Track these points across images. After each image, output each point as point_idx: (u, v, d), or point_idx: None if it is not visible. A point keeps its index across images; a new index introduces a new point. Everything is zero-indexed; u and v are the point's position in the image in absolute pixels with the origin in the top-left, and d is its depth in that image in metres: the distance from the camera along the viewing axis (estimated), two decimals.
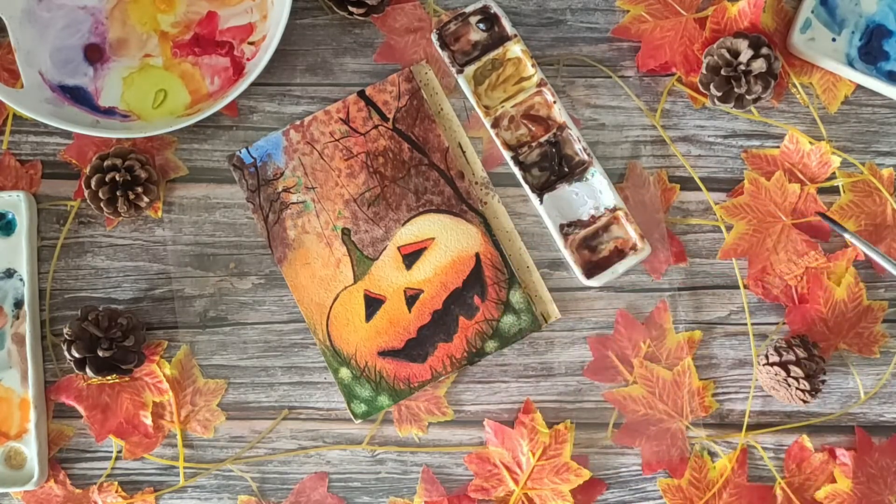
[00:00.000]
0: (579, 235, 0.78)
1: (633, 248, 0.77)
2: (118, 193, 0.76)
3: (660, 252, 0.79)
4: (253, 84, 0.76)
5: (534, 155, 0.79)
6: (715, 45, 0.77)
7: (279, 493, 0.79)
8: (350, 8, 0.78)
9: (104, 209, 0.77)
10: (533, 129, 0.79)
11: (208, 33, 0.81)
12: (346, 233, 0.79)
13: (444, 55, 0.79)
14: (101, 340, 0.74)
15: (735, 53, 0.76)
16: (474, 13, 0.79)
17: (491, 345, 0.78)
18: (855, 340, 0.78)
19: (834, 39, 0.80)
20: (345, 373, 0.78)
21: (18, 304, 0.78)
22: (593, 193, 0.78)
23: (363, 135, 0.79)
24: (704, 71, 0.77)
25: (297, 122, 0.79)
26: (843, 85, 0.80)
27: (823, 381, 0.75)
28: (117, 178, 0.76)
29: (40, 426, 0.77)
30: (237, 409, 0.79)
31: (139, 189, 0.76)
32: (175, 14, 0.81)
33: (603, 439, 0.79)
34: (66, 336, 0.75)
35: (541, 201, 0.78)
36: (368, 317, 0.78)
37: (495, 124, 0.79)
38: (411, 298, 0.78)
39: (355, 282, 0.78)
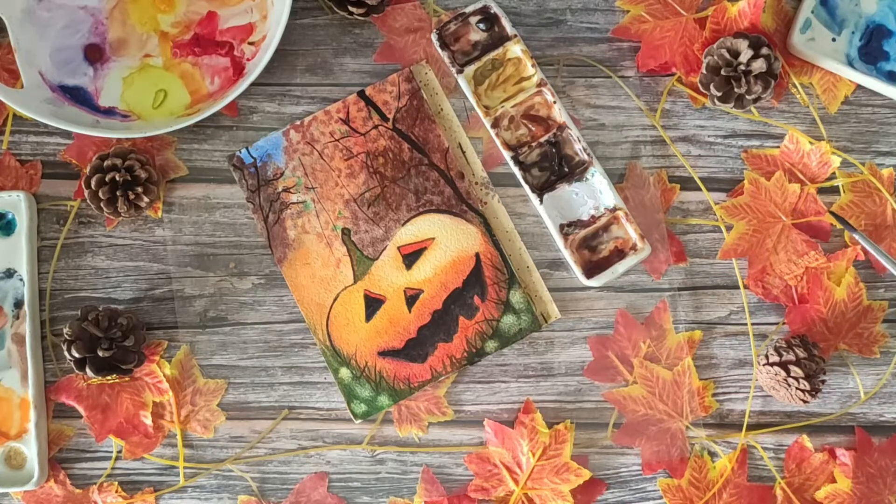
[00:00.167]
0: (579, 235, 0.78)
1: (633, 248, 0.77)
2: (118, 193, 0.76)
3: (660, 252, 0.79)
4: (253, 84, 0.76)
5: (534, 155, 0.79)
6: (715, 45, 0.77)
7: (279, 493, 0.79)
8: (350, 8, 0.78)
9: (104, 209, 0.77)
10: (533, 129, 0.79)
11: (208, 33, 0.81)
12: (346, 233, 0.79)
13: (444, 55, 0.79)
14: (101, 340, 0.74)
15: (735, 53, 0.76)
16: (474, 13, 0.79)
17: (491, 345, 0.78)
18: (855, 340, 0.78)
19: (834, 39, 0.80)
20: (345, 373, 0.78)
21: (18, 304, 0.78)
22: (593, 193, 0.78)
23: (363, 135, 0.79)
24: (704, 71, 0.77)
25: (297, 122, 0.79)
26: (843, 85, 0.80)
27: (823, 381, 0.75)
28: (117, 178, 0.76)
29: (40, 426, 0.77)
30: (237, 409, 0.79)
31: (139, 189, 0.76)
32: (175, 14, 0.81)
33: (603, 439, 0.79)
34: (66, 336, 0.75)
35: (541, 201, 0.78)
36: (368, 317, 0.78)
37: (495, 124, 0.79)
38: (411, 298, 0.78)
39: (355, 282, 0.78)
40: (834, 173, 0.79)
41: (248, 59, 0.80)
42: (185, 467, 0.78)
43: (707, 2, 0.80)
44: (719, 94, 0.76)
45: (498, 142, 0.79)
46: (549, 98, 0.79)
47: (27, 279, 0.78)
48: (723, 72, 0.76)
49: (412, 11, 0.80)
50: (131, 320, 0.76)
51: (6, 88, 0.76)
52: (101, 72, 0.80)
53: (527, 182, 0.78)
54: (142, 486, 0.79)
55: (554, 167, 0.79)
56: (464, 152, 0.80)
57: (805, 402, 0.75)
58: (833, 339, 0.78)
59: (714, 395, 0.79)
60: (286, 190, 0.79)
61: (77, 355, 0.74)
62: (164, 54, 0.81)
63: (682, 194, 0.80)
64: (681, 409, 0.78)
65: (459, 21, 0.79)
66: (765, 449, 0.78)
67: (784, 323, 0.79)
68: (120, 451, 0.79)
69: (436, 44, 0.79)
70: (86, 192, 0.77)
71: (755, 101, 0.77)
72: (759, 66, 0.75)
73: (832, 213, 0.77)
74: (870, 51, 0.80)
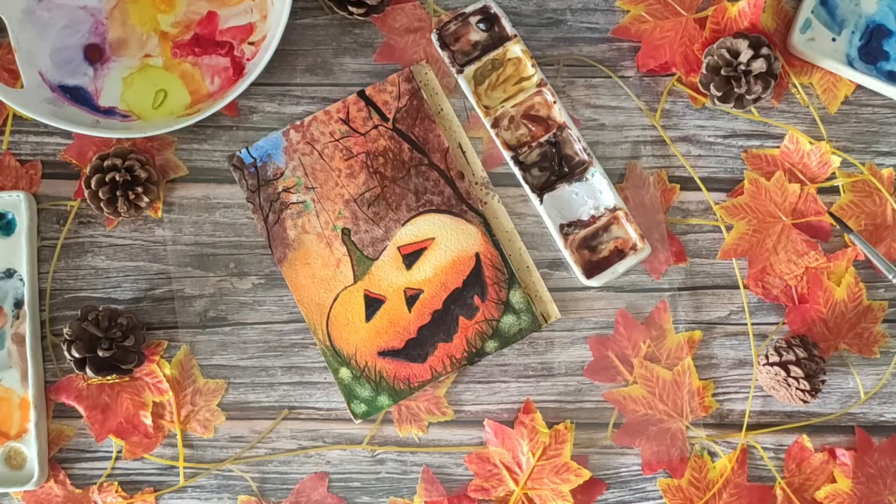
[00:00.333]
0: (579, 235, 0.78)
1: (633, 248, 0.77)
2: (118, 193, 0.76)
3: (660, 252, 0.79)
4: (253, 84, 0.76)
5: (534, 155, 0.79)
6: (715, 45, 0.77)
7: (279, 493, 0.79)
8: (350, 8, 0.78)
9: (104, 209, 0.77)
10: (533, 129, 0.79)
11: (208, 33, 0.81)
12: (346, 233, 0.79)
13: (444, 55, 0.79)
14: (101, 340, 0.74)
15: (735, 53, 0.76)
16: (474, 13, 0.79)
17: (491, 345, 0.78)
18: (855, 340, 0.78)
19: (834, 39, 0.80)
20: (345, 373, 0.78)
21: (18, 304, 0.78)
22: (593, 193, 0.78)
23: (363, 135, 0.79)
24: (704, 71, 0.77)
25: (297, 122, 0.79)
26: (843, 85, 0.80)
27: (823, 381, 0.75)
28: (117, 178, 0.76)
29: (40, 426, 0.77)
30: (237, 409, 0.79)
31: (139, 189, 0.76)
32: (175, 14, 0.81)
33: (603, 439, 0.79)
34: (66, 336, 0.75)
35: (541, 201, 0.78)
36: (368, 317, 0.78)
37: (495, 124, 0.79)
38: (411, 298, 0.78)
39: (355, 282, 0.78)
40: (834, 173, 0.79)
41: (248, 59, 0.80)
42: (185, 467, 0.78)
43: (707, 2, 0.80)
44: (719, 94, 0.76)
45: (498, 142, 0.79)
46: (549, 98, 0.79)
47: (27, 279, 0.78)
48: (723, 72, 0.76)
49: (412, 11, 0.80)
50: (131, 320, 0.76)
51: (6, 88, 0.76)
52: (101, 72, 0.80)
53: (527, 182, 0.78)
54: (142, 486, 0.79)
55: (554, 167, 0.79)
56: (464, 152, 0.80)
57: (805, 402, 0.75)
58: (833, 339, 0.78)
59: (714, 395, 0.79)
60: (286, 190, 0.79)
61: (77, 355, 0.74)
62: (164, 54, 0.81)
63: (682, 194, 0.80)
64: (681, 409, 0.78)
65: (459, 21, 0.79)
66: (765, 449, 0.78)
67: (784, 323, 0.79)
68: (120, 451, 0.79)
69: (436, 44, 0.79)
70: (86, 192, 0.77)
71: (755, 101, 0.77)
72: (759, 66, 0.75)
73: (830, 214, 0.77)
74: (870, 51, 0.80)
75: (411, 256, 0.78)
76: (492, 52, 0.79)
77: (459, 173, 0.79)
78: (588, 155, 0.78)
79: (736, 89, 0.76)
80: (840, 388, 0.79)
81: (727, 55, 0.76)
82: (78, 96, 0.79)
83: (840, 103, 0.80)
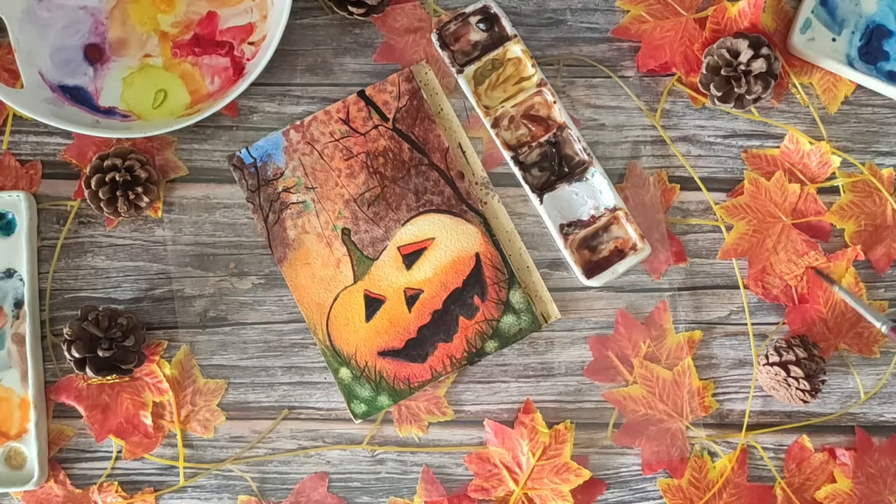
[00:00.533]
0: (579, 235, 0.78)
1: (633, 248, 0.77)
2: (118, 193, 0.76)
3: (660, 252, 0.79)
4: (253, 84, 0.76)
5: (534, 155, 0.79)
6: (715, 45, 0.77)
7: (279, 493, 0.79)
8: (350, 8, 0.78)
9: (104, 209, 0.77)
10: (533, 129, 0.79)
11: (208, 33, 0.81)
12: (346, 233, 0.79)
13: (444, 55, 0.79)
14: (101, 340, 0.74)
15: (735, 53, 0.76)
16: (474, 13, 0.79)
17: (491, 345, 0.78)
18: (855, 340, 0.78)
19: (834, 39, 0.80)
20: (345, 373, 0.78)
21: (18, 304, 0.78)
22: (593, 193, 0.78)
23: (363, 135, 0.79)
24: (704, 71, 0.77)
25: (297, 122, 0.79)
26: (843, 85, 0.80)
27: (823, 381, 0.75)
28: (117, 178, 0.76)
29: (40, 426, 0.77)
30: (237, 409, 0.79)
31: (139, 189, 0.76)
32: (175, 14, 0.81)
33: (603, 439, 0.79)
34: (66, 336, 0.75)
35: (541, 201, 0.78)
36: (368, 317, 0.78)
37: (495, 124, 0.79)
38: (411, 298, 0.78)
39: (355, 282, 0.78)
40: (834, 173, 0.79)
41: (248, 59, 0.80)
42: (185, 467, 0.78)
43: (707, 2, 0.80)
44: (719, 94, 0.76)
45: (498, 142, 0.79)
46: (549, 98, 0.79)
47: (27, 279, 0.78)
48: (723, 72, 0.76)
49: (412, 11, 0.80)
50: (131, 320, 0.76)
51: (6, 88, 0.76)
52: (101, 72, 0.80)
53: (527, 182, 0.78)
54: (142, 486, 0.79)
55: (554, 167, 0.79)
56: (464, 152, 0.80)
57: (805, 402, 0.75)
58: (833, 339, 0.78)
59: (714, 395, 0.79)
60: (286, 190, 0.79)
61: (77, 355, 0.74)
62: (164, 54, 0.81)
63: (682, 194, 0.80)
64: (681, 409, 0.78)
65: (459, 21, 0.79)
66: (765, 449, 0.78)
67: (784, 323, 0.79)
68: (120, 451, 0.79)
69: (436, 44, 0.79)
70: (86, 192, 0.77)
71: (755, 101, 0.77)
72: (759, 66, 0.75)
73: (816, 270, 0.77)
74: (870, 51, 0.80)
75: (411, 256, 0.78)
76: (492, 52, 0.79)
77: (459, 173, 0.79)
78: (588, 155, 0.78)
79: (736, 89, 0.76)
80: (840, 388, 0.79)
81: (727, 55, 0.76)
82: (78, 96, 0.79)
83: (840, 103, 0.80)
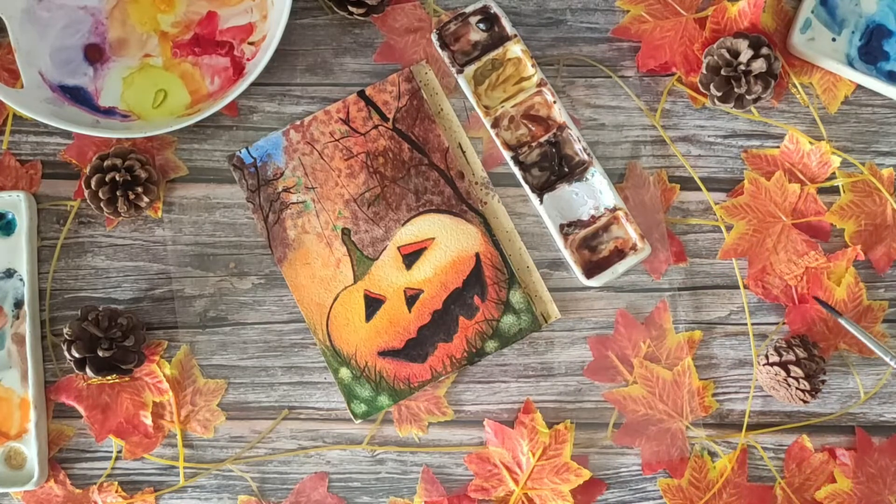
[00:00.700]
0: (579, 235, 0.78)
1: (633, 248, 0.77)
2: (118, 193, 0.76)
3: (660, 252, 0.79)
4: (253, 84, 0.76)
5: (534, 155, 0.79)
6: (715, 45, 0.77)
7: (279, 493, 0.79)
8: (350, 8, 0.78)
9: (104, 209, 0.77)
10: (533, 129, 0.79)
11: (208, 33, 0.81)
12: (346, 233, 0.79)
13: (444, 55, 0.79)
14: (101, 340, 0.74)
15: (735, 53, 0.76)
16: (474, 13, 0.79)
17: (491, 345, 0.78)
18: (855, 340, 0.78)
19: (834, 39, 0.80)
20: (345, 373, 0.78)
21: (18, 304, 0.78)
22: (593, 193, 0.78)
23: (363, 135, 0.79)
24: (704, 71, 0.77)
25: (297, 122, 0.79)
26: (843, 85, 0.80)
27: (823, 381, 0.75)
28: (117, 178, 0.76)
29: (40, 426, 0.77)
30: (237, 409, 0.79)
31: (139, 189, 0.76)
32: (175, 14, 0.81)
33: (603, 439, 0.79)
34: (66, 336, 0.75)
35: (541, 201, 0.78)
36: (368, 317, 0.78)
37: (495, 124, 0.79)
38: (411, 298, 0.78)
39: (355, 282, 0.78)
40: (834, 173, 0.79)
41: (248, 59, 0.80)
42: (185, 467, 0.78)
43: (707, 2, 0.80)
44: (719, 94, 0.76)
45: (498, 142, 0.79)
46: (549, 98, 0.79)
47: (27, 279, 0.78)
48: (723, 72, 0.76)
49: (412, 11, 0.80)
50: (131, 320, 0.76)
51: (6, 88, 0.76)
52: (101, 72, 0.80)
53: (527, 182, 0.78)
54: (142, 486, 0.79)
55: (554, 167, 0.79)
56: (464, 152, 0.80)
57: (805, 402, 0.75)
58: (833, 339, 0.78)
59: (714, 395, 0.79)
60: (286, 190, 0.79)
61: (77, 355, 0.74)
62: (164, 54, 0.81)
63: (682, 194, 0.80)
64: (681, 409, 0.78)
65: (459, 21, 0.79)
66: (765, 449, 0.78)
67: (784, 323, 0.79)
68: (120, 451, 0.79)
69: (436, 44, 0.79)
70: (86, 192, 0.77)
71: (755, 101, 0.77)
72: (759, 66, 0.75)
73: (817, 300, 0.77)
74: (870, 51, 0.80)
75: (411, 256, 0.78)
76: (492, 52, 0.79)
77: (459, 173, 0.79)
78: (588, 155, 0.78)
79: (736, 89, 0.76)
80: (840, 388, 0.79)
81: (727, 55, 0.76)
82: (78, 96, 0.79)
83: (840, 103, 0.80)
